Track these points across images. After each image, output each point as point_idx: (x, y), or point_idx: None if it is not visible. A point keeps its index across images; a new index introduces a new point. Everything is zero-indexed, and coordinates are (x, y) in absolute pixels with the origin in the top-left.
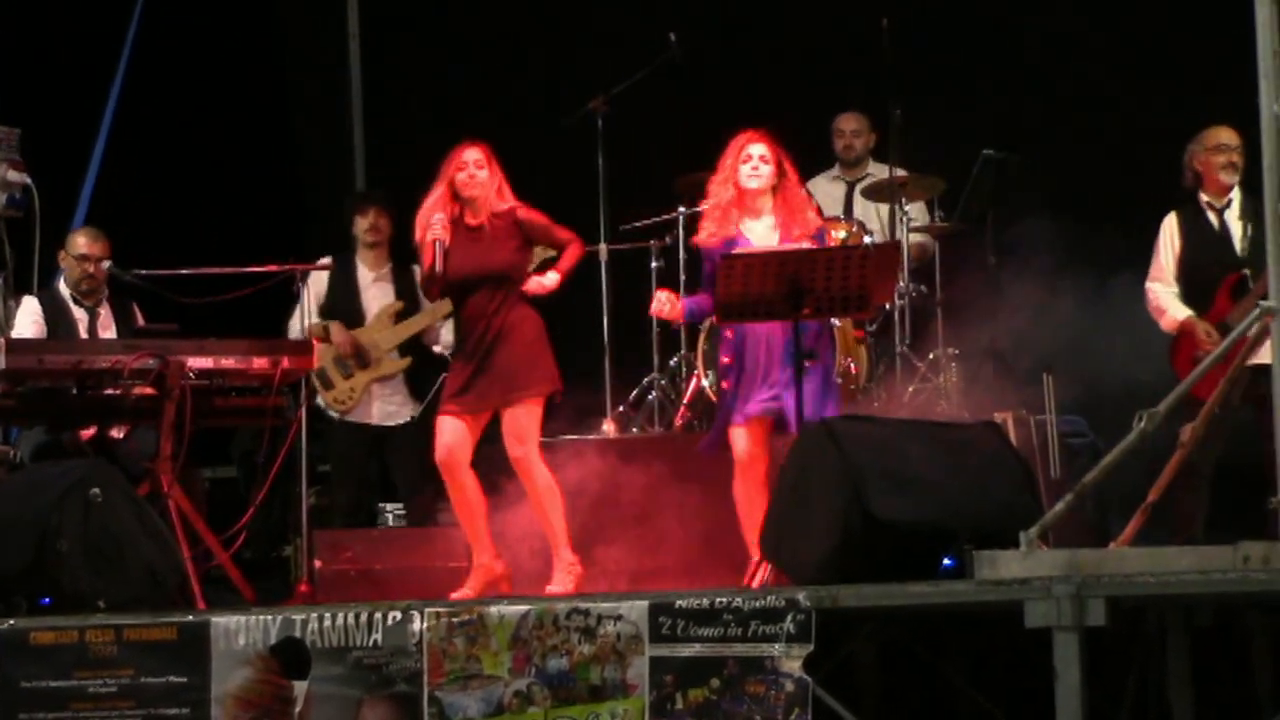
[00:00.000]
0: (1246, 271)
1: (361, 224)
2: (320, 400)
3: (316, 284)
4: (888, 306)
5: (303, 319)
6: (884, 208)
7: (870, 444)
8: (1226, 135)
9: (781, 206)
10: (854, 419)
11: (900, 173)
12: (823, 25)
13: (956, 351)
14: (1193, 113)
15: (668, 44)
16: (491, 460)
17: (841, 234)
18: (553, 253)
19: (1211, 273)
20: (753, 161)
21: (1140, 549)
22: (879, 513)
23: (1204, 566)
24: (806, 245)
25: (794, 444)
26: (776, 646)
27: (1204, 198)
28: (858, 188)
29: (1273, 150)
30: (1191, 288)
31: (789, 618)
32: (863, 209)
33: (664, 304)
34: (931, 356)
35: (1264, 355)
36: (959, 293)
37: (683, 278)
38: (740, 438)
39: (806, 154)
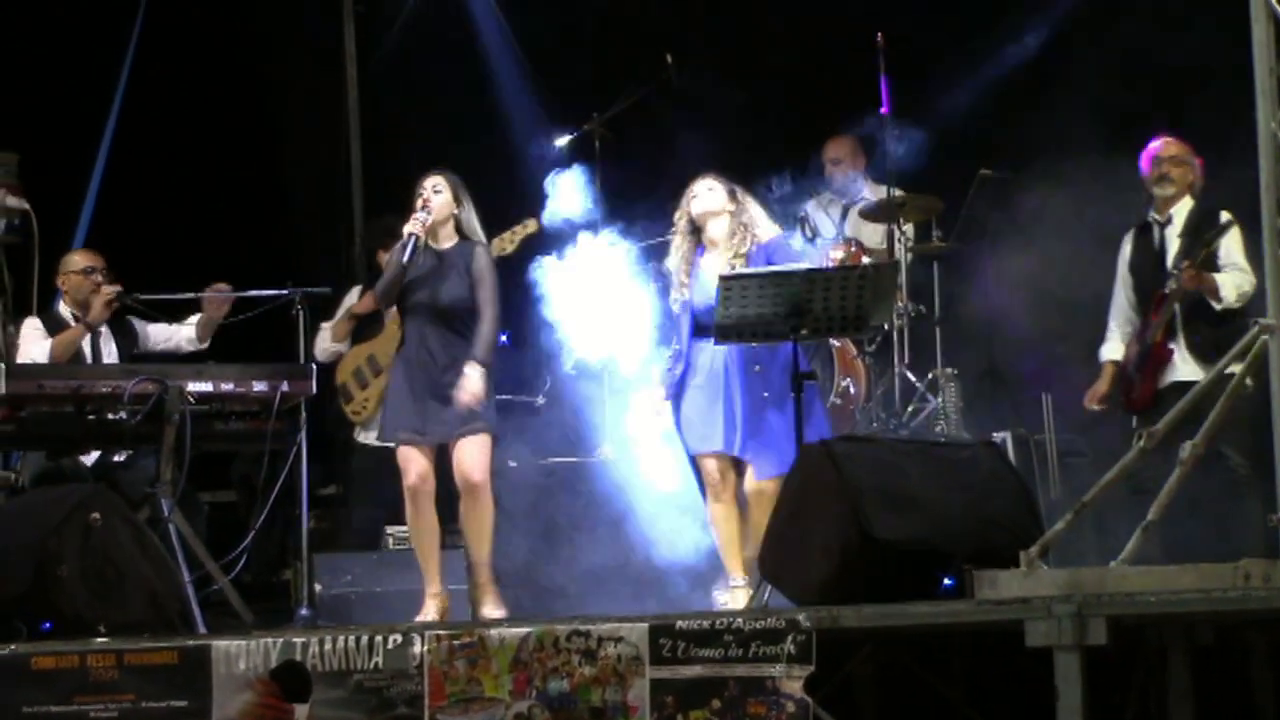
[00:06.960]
0: (1168, 289)
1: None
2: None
3: (350, 302)
4: (886, 326)
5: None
6: (880, 228)
7: (869, 464)
8: (1160, 147)
9: (739, 229)
10: (852, 439)
11: (898, 193)
12: (818, 43)
13: (955, 371)
14: (1189, 128)
15: (663, 65)
16: None
17: (839, 254)
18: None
19: (1148, 290)
20: (696, 190)
21: (1141, 568)
22: (878, 533)
23: (1205, 585)
24: (805, 265)
25: (793, 465)
26: (777, 667)
27: (1151, 214)
28: (852, 210)
29: (1269, 168)
30: (1141, 304)
31: (789, 638)
32: (854, 229)
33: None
34: (930, 376)
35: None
36: (958, 312)
37: None
38: (706, 465)
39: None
